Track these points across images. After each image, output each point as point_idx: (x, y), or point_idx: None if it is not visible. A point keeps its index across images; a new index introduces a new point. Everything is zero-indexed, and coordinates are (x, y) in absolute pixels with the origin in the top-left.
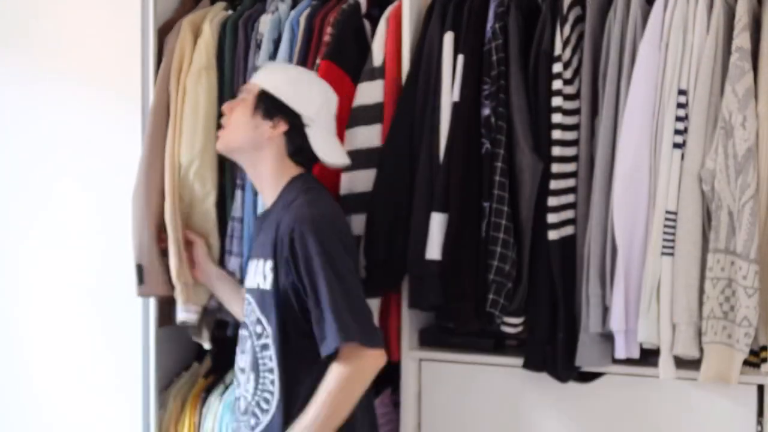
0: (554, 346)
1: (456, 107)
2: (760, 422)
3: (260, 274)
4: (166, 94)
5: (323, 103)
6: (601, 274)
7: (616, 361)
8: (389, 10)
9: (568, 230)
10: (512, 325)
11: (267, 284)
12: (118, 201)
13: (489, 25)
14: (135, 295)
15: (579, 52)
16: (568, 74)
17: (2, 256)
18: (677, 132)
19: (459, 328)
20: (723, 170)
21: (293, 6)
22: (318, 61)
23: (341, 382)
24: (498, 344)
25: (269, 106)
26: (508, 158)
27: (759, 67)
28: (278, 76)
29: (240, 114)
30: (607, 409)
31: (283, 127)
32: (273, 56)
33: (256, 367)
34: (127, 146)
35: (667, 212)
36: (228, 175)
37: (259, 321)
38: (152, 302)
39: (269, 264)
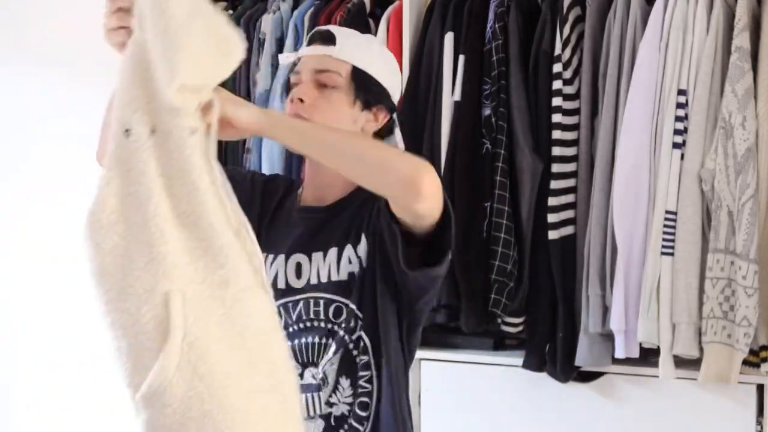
0: (554, 346)
1: (457, 107)
2: (759, 422)
3: (348, 261)
4: None
5: (399, 80)
6: (601, 274)
7: (616, 361)
8: (389, 11)
9: (568, 230)
10: (512, 324)
11: (343, 274)
12: None
13: (489, 25)
14: None
15: (579, 52)
16: (568, 74)
17: (2, 255)
18: (677, 132)
19: (469, 328)
20: (723, 170)
21: (294, 6)
22: None
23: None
24: (498, 344)
25: (371, 92)
26: (508, 158)
27: (759, 67)
28: (368, 50)
29: (335, 106)
30: (607, 409)
31: (384, 117)
32: (277, 55)
33: (349, 370)
34: None
35: (667, 212)
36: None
37: (351, 314)
38: None
39: (362, 244)
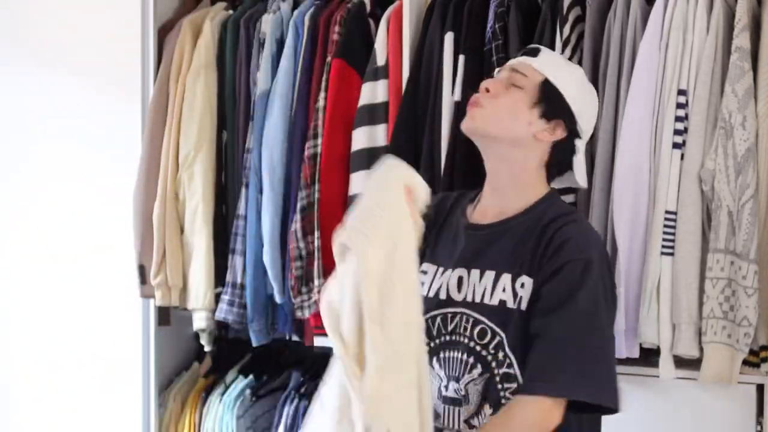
0: None
1: (458, 107)
2: (759, 422)
3: (502, 289)
4: (166, 94)
5: (594, 116)
6: None
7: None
8: (389, 11)
9: None
10: None
11: (515, 304)
12: (119, 199)
13: (489, 25)
14: (135, 295)
15: (579, 52)
16: None
17: (1, 254)
18: (677, 132)
19: None
20: (723, 170)
21: (294, 6)
22: (328, 59)
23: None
24: None
25: (553, 104)
26: None
27: (758, 67)
28: (566, 72)
29: (515, 101)
30: None
31: (560, 133)
32: (277, 55)
33: (493, 399)
34: (127, 145)
35: (667, 212)
36: (231, 173)
37: (501, 346)
38: (152, 302)
39: (524, 281)
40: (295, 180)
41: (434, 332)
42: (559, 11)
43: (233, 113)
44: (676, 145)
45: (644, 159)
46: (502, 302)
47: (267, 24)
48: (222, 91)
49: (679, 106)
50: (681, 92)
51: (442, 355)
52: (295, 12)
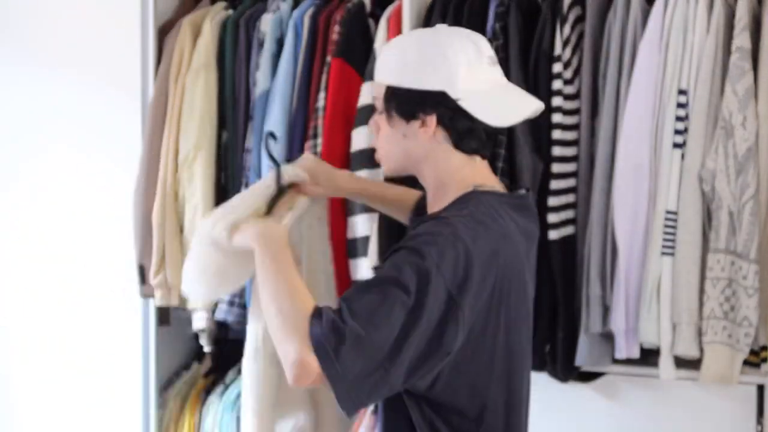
0: (554, 346)
1: None
2: (760, 422)
3: None
4: (165, 94)
5: (461, 57)
6: (601, 274)
7: (616, 361)
8: (389, 10)
9: (568, 230)
10: None
11: None
12: (119, 199)
13: (489, 25)
14: (135, 295)
15: (579, 52)
16: (568, 74)
17: (2, 255)
18: (677, 132)
19: None
20: (723, 170)
21: (294, 5)
22: (328, 59)
23: (298, 315)
24: None
25: (402, 103)
26: (508, 158)
27: (759, 67)
28: (391, 57)
29: (381, 129)
30: (607, 409)
31: (432, 120)
32: (276, 55)
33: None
34: (127, 145)
35: (668, 212)
36: (231, 173)
37: None
38: (152, 302)
39: None
40: None
41: None
42: (559, 11)
43: (233, 113)
44: (676, 145)
45: (644, 159)
46: None
47: (267, 24)
48: (222, 91)
49: (680, 105)
50: (681, 92)
51: None
52: (295, 12)
